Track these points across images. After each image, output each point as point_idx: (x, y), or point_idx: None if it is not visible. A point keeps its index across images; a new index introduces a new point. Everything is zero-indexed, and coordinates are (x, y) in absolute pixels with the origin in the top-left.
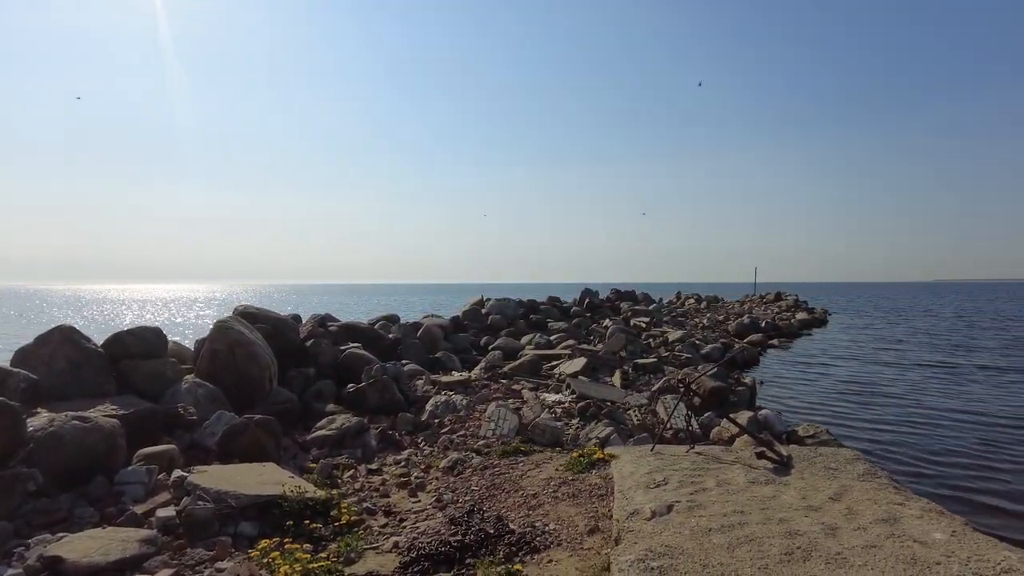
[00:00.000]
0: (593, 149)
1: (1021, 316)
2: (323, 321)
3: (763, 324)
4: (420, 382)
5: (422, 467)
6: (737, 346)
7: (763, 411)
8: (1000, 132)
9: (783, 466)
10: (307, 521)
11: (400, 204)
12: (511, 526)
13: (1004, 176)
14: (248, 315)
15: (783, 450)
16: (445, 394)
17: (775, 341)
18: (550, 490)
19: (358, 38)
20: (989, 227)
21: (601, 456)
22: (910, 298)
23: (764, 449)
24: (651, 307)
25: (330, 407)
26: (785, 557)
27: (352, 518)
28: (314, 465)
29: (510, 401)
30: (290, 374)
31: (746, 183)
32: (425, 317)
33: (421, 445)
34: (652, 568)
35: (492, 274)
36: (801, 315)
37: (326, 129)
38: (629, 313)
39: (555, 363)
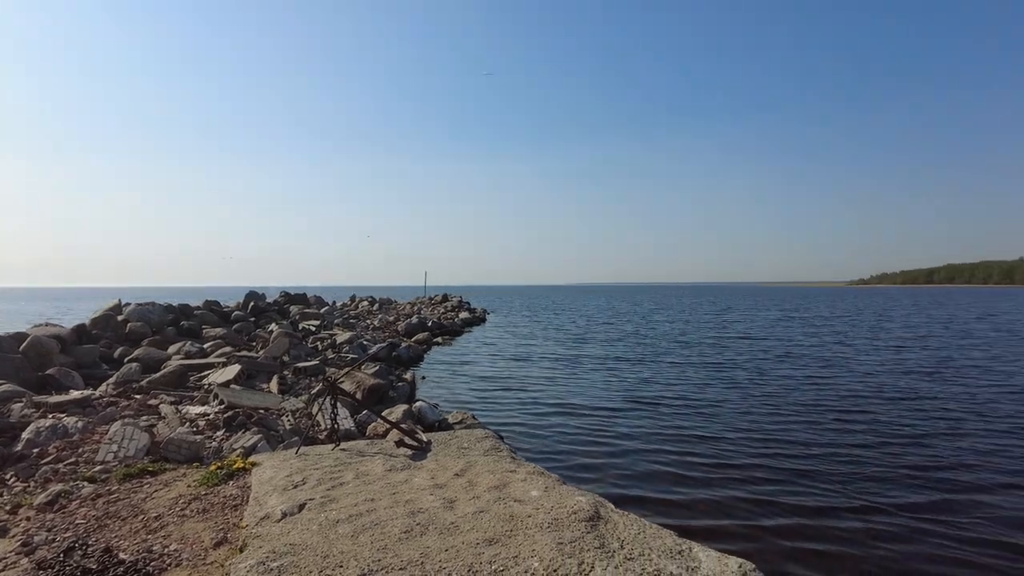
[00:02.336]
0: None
1: (635, 312)
2: None
3: (430, 323)
4: (18, 406)
5: (8, 508)
6: (404, 344)
7: (418, 403)
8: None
9: (422, 451)
10: None
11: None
12: (121, 556)
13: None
14: None
15: (424, 437)
16: (54, 417)
17: (439, 339)
18: (178, 509)
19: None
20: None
21: (241, 465)
22: (562, 299)
23: (404, 438)
24: (323, 310)
25: None
26: (405, 535)
27: None
28: None
29: (143, 418)
30: None
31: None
32: (35, 326)
33: (11, 481)
34: (271, 569)
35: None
36: (464, 315)
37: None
38: (298, 316)
39: (206, 373)
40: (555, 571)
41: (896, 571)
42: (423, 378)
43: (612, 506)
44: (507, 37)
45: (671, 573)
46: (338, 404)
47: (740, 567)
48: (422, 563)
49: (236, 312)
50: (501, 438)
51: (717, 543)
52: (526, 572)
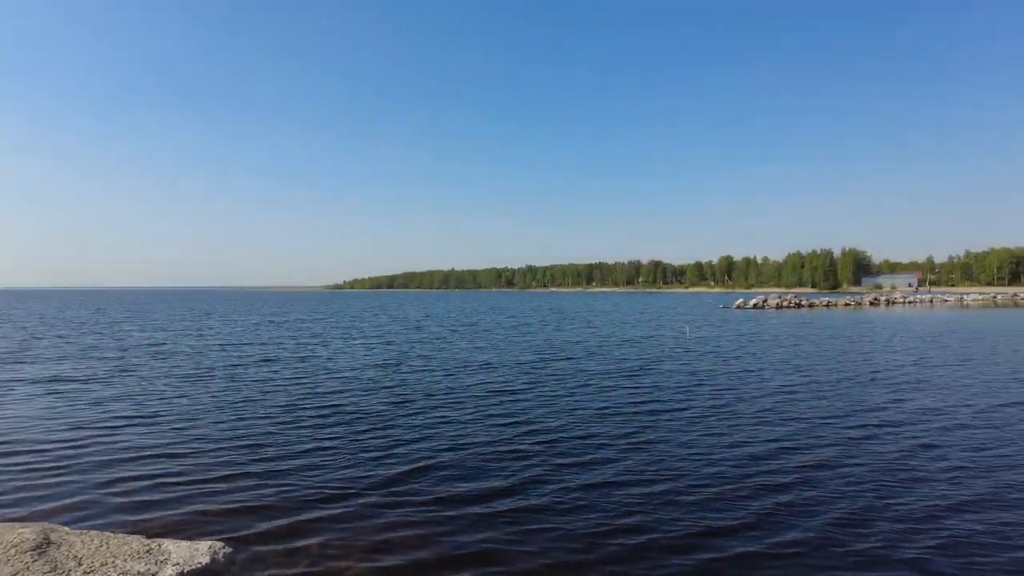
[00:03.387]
0: None
1: (99, 321)
2: None
3: None
4: None
5: None
6: None
7: None
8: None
9: None
10: None
11: None
12: None
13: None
14: None
15: None
16: None
17: None
18: None
19: None
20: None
21: None
22: None
23: None
24: None
25: None
26: None
27: None
28: None
29: None
30: None
31: None
32: None
33: None
34: None
35: None
36: None
37: None
38: None
39: None
40: None
41: (371, 543)
42: None
43: (67, 529)
44: None
45: (138, 572)
46: None
47: (210, 548)
48: None
49: None
50: None
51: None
52: None
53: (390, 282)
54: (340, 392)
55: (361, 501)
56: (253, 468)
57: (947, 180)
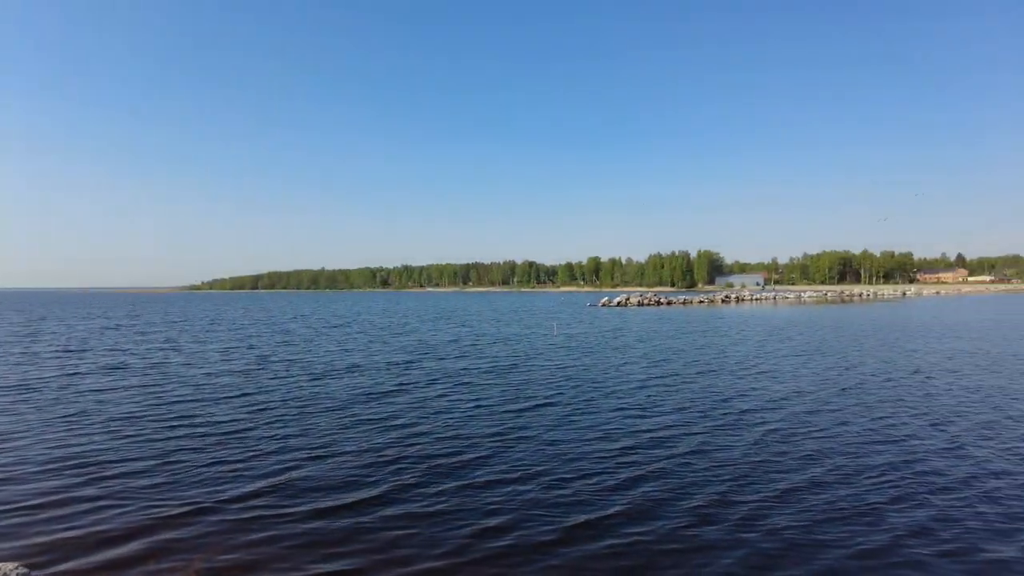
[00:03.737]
0: None
1: None
2: None
3: None
4: None
5: None
6: None
7: None
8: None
9: None
10: None
11: None
12: None
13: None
14: None
15: None
16: None
17: None
18: None
19: None
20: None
21: None
22: None
23: None
24: None
25: None
26: None
27: None
28: None
29: None
30: None
31: None
32: None
33: None
34: None
35: None
36: None
37: None
38: None
39: None
40: None
41: (223, 566)
42: None
43: None
44: None
45: None
46: None
47: (15, 568)
48: None
49: None
50: None
51: None
52: None
53: (254, 282)
54: (192, 401)
55: (213, 519)
56: (87, 491)
57: (789, 190)
